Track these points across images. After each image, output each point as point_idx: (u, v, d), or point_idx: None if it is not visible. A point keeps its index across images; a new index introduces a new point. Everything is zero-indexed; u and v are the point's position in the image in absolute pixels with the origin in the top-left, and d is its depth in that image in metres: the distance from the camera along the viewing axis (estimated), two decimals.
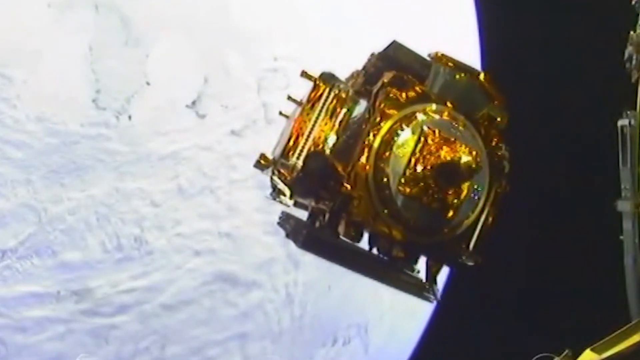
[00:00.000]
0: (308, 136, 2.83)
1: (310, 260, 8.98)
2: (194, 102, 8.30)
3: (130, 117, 7.94)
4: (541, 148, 10.49)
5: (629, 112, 5.73)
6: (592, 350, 4.49)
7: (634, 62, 5.67)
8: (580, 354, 4.56)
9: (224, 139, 8.47)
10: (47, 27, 7.54)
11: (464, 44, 10.96)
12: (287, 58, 8.75)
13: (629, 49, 5.70)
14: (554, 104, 10.34)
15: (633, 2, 5.78)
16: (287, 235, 3.05)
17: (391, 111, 2.73)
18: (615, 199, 5.77)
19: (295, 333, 9.19)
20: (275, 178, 3.05)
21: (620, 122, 5.77)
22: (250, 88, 8.60)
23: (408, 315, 10.51)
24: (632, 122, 5.70)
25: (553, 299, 10.35)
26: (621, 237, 5.74)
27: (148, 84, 7.98)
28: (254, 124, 8.60)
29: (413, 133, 2.71)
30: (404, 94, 2.78)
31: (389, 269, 2.92)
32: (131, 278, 8.06)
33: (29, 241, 7.59)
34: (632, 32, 5.73)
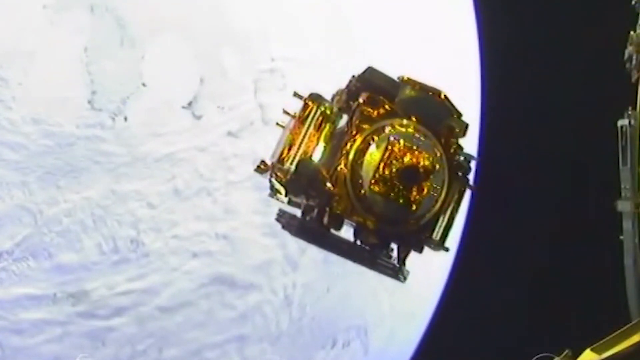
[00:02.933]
0: (299, 146, 3.49)
1: (309, 262, 8.96)
2: (190, 103, 8.26)
3: (126, 119, 7.90)
4: (541, 148, 10.48)
5: (629, 112, 5.73)
6: (592, 350, 4.54)
7: (634, 62, 5.67)
8: (580, 354, 4.60)
9: (221, 140, 8.42)
10: (42, 28, 7.50)
11: (463, 44, 10.94)
12: (284, 58, 8.72)
13: (629, 49, 5.71)
14: (553, 104, 10.33)
15: (633, 2, 5.78)
16: (283, 227, 3.67)
17: (365, 126, 3.46)
18: (615, 199, 5.76)
19: (294, 335, 9.17)
20: (273, 180, 3.65)
21: (620, 122, 5.77)
22: (247, 89, 8.57)
23: (408, 317, 10.50)
24: (632, 122, 5.70)
25: (553, 299, 10.34)
26: (621, 237, 5.74)
27: (144, 85, 7.94)
28: (250, 125, 8.56)
29: (382, 143, 3.43)
30: (375, 112, 3.48)
31: (368, 255, 3.56)
32: (128, 280, 8.03)
33: (24, 243, 7.55)
34: (632, 32, 5.73)
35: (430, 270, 10.50)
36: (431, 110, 3.55)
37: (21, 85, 7.42)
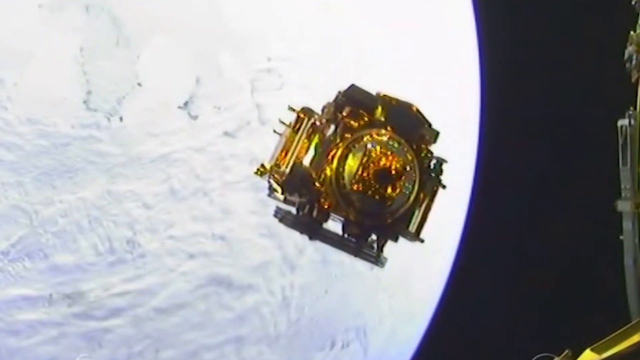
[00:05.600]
0: (293, 152, 4.10)
1: (307, 263, 8.95)
2: (186, 103, 8.26)
3: (121, 119, 7.90)
4: (541, 148, 10.47)
5: (629, 112, 5.73)
6: (592, 350, 4.63)
7: (634, 62, 5.67)
8: (580, 354, 4.67)
9: (217, 140, 8.43)
10: (37, 28, 7.51)
11: (462, 45, 10.92)
12: (281, 58, 8.71)
13: (629, 49, 5.72)
14: (553, 104, 10.32)
15: (633, 2, 5.78)
16: (280, 221, 4.21)
17: (347, 135, 4.08)
18: (615, 199, 5.76)
19: (293, 337, 9.15)
20: (271, 181, 4.24)
21: (620, 122, 5.76)
22: (243, 89, 8.56)
23: (407, 318, 10.48)
24: (632, 122, 5.69)
25: (553, 299, 10.34)
26: (621, 237, 5.74)
27: (139, 85, 7.95)
28: (247, 125, 8.56)
29: (361, 150, 4.03)
30: (357, 123, 4.10)
31: (353, 245, 4.16)
32: (124, 281, 8.02)
33: (20, 244, 7.55)
34: (632, 32, 5.73)
35: (430, 271, 10.49)
36: (404, 121, 4.15)
37: (17, 85, 7.43)
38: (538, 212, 10.49)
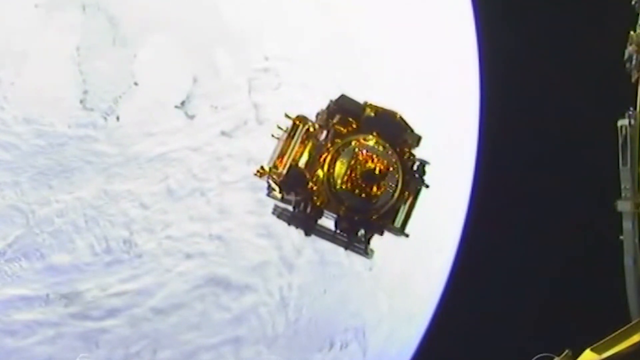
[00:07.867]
0: (289, 155, 4.55)
1: (305, 264, 8.94)
2: (183, 103, 8.27)
3: (118, 118, 7.90)
4: (541, 148, 10.47)
5: (629, 112, 5.73)
6: (592, 350, 4.68)
7: (634, 62, 5.68)
8: (580, 354, 4.73)
9: (214, 140, 8.45)
10: (34, 28, 7.52)
11: (462, 44, 10.92)
12: (278, 58, 8.72)
13: (629, 49, 5.73)
14: (553, 104, 10.32)
15: (633, 2, 5.78)
16: (278, 217, 4.64)
17: (337, 140, 4.55)
18: (615, 199, 5.75)
19: (291, 337, 9.14)
20: (270, 181, 4.67)
21: (620, 122, 5.76)
22: (240, 88, 8.57)
23: (407, 319, 10.48)
24: (632, 122, 5.69)
25: (553, 299, 10.33)
26: (621, 237, 5.74)
27: (136, 84, 7.95)
28: (245, 125, 8.58)
29: (349, 153, 4.49)
30: (345, 129, 4.57)
31: (345, 239, 4.62)
32: (121, 281, 8.03)
33: (17, 244, 7.56)
34: (632, 32, 5.74)
35: (430, 271, 10.48)
36: (389, 127, 4.61)
37: (13, 85, 7.44)
38: (538, 212, 10.48)
